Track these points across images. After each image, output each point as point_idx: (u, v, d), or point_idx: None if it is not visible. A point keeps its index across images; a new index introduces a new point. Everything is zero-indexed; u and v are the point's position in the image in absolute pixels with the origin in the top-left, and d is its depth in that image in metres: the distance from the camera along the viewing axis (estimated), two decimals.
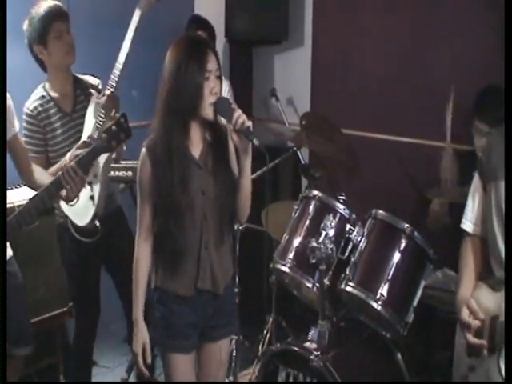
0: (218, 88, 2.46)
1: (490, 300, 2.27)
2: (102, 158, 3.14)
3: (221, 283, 2.57)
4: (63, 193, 2.81)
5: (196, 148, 2.52)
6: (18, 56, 3.29)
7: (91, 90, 3.32)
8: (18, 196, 3.46)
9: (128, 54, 3.13)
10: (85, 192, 3.18)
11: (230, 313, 2.69)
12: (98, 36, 3.77)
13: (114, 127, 2.72)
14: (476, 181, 2.43)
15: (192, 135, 2.50)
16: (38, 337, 3.21)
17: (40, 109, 3.22)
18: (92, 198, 3.23)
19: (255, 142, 2.40)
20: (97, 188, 3.23)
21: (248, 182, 2.53)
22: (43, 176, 3.06)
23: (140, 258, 2.56)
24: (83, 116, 3.27)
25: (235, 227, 3.62)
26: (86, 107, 3.27)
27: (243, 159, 2.48)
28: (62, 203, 3.14)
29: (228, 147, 2.56)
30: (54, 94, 3.27)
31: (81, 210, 3.27)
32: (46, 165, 3.22)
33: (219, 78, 2.48)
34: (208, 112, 2.44)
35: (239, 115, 2.41)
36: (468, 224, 2.46)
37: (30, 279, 3.35)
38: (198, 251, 2.52)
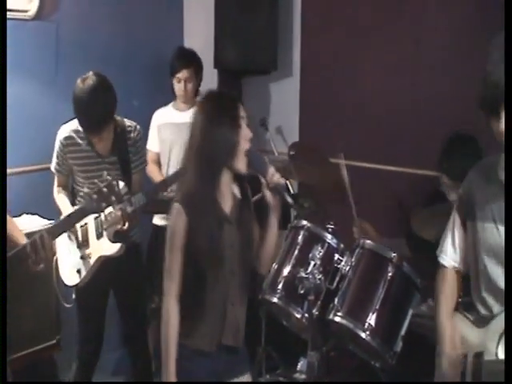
0: (250, 135, 2.47)
1: (472, 336, 2.28)
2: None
3: (241, 337, 2.57)
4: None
5: (226, 203, 2.51)
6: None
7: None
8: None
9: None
10: (73, 261, 3.25)
11: (244, 359, 2.68)
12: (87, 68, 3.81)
13: (104, 189, 2.76)
14: (455, 218, 2.43)
15: (222, 190, 2.49)
16: (26, 370, 3.19)
17: (69, 141, 3.34)
18: (79, 271, 3.28)
19: (289, 200, 2.44)
20: (87, 265, 3.27)
21: (274, 238, 2.55)
22: (59, 198, 3.42)
23: (172, 317, 2.45)
24: (115, 161, 3.35)
25: None
26: (121, 151, 3.33)
27: (272, 215, 2.51)
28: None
29: (252, 203, 2.58)
30: (89, 135, 3.31)
31: (67, 272, 3.32)
32: (66, 184, 3.50)
33: (249, 126, 2.49)
34: (241, 163, 2.43)
35: (274, 172, 2.44)
36: (445, 258, 2.47)
37: (19, 310, 3.34)
38: (223, 307, 2.48)
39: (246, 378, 2.66)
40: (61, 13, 3.94)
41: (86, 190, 3.26)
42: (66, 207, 3.41)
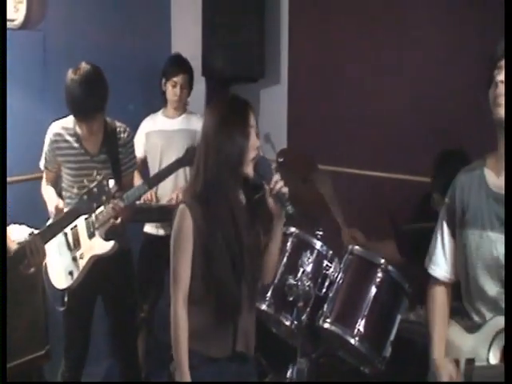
0: (258, 143, 2.48)
1: (464, 342, 2.28)
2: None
3: (252, 344, 2.56)
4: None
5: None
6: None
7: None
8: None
9: None
10: (64, 263, 3.25)
11: (253, 365, 2.67)
12: None
13: (95, 189, 2.75)
14: (443, 227, 2.40)
15: (230, 195, 2.48)
16: (14, 381, 3.16)
17: (58, 138, 3.37)
18: (71, 273, 3.27)
19: (289, 209, 2.43)
20: (80, 266, 3.27)
21: (277, 247, 2.56)
22: (46, 191, 3.47)
23: (181, 323, 2.41)
24: (105, 161, 3.36)
25: None
26: (110, 152, 3.36)
27: (276, 224, 2.52)
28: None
29: (257, 209, 2.57)
30: (79, 131, 3.36)
31: (58, 275, 3.32)
32: (54, 181, 3.52)
33: (257, 134, 2.50)
34: (249, 168, 2.43)
35: (277, 180, 2.44)
36: (438, 271, 2.43)
37: (9, 320, 3.32)
38: (236, 314, 2.47)
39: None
40: (48, 22, 3.91)
41: (74, 190, 3.32)
42: (52, 199, 3.42)
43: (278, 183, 2.43)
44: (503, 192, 2.18)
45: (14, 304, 3.44)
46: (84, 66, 3.24)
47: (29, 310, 3.57)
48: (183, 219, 2.42)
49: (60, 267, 3.34)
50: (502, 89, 2.12)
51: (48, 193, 3.51)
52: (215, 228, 2.41)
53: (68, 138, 3.38)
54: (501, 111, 2.13)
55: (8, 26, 3.70)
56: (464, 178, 2.36)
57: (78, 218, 2.96)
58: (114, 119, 3.48)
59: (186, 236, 2.41)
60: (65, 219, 2.89)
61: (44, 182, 3.56)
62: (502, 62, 2.13)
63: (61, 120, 3.42)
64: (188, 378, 2.41)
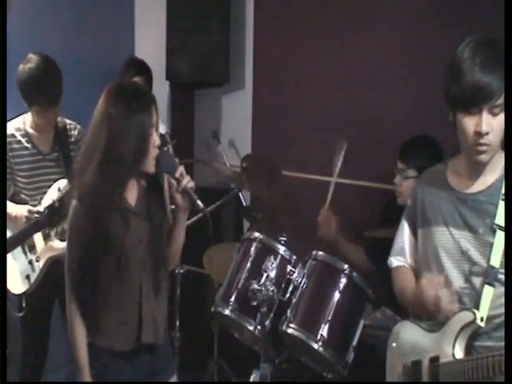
0: (158, 141, 2.39)
1: (426, 342, 2.29)
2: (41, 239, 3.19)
3: (161, 332, 2.50)
4: None
5: (131, 195, 2.44)
6: None
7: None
8: None
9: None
10: (21, 268, 3.20)
11: (167, 357, 2.62)
12: None
13: (56, 204, 2.73)
14: (404, 227, 2.45)
15: (129, 184, 2.43)
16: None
17: (12, 139, 3.31)
18: (28, 277, 3.23)
19: (199, 203, 2.38)
20: (36, 269, 3.21)
21: (182, 235, 2.51)
22: None
23: (77, 317, 2.38)
24: (58, 159, 3.28)
25: (176, 271, 3.60)
26: (62, 150, 3.30)
27: (181, 215, 2.46)
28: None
29: (164, 193, 2.50)
30: (30, 130, 3.33)
31: (15, 280, 3.27)
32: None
33: (157, 130, 2.42)
34: (150, 166, 2.37)
35: (183, 173, 2.38)
36: (403, 261, 2.46)
37: None
38: (138, 302, 2.41)
39: (174, 378, 2.61)
40: (9, 22, 3.86)
41: (26, 192, 3.28)
42: (16, 206, 3.33)
43: (184, 178, 2.38)
44: (467, 191, 2.23)
45: None
46: (33, 56, 3.21)
47: None
48: (74, 215, 2.37)
49: (16, 272, 3.29)
50: (486, 139, 2.09)
51: None
52: (108, 222, 2.35)
53: (20, 138, 3.34)
54: (482, 157, 2.14)
55: None
56: (425, 179, 2.41)
57: (39, 230, 2.95)
58: (64, 117, 3.45)
59: (78, 231, 2.37)
60: (27, 232, 2.88)
61: None
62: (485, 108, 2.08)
63: (11, 121, 3.36)
64: (87, 375, 2.38)
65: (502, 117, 2.09)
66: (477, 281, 2.19)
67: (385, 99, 3.95)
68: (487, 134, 2.08)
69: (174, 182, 2.40)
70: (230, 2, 4.61)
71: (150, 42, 4.82)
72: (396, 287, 2.49)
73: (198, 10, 4.60)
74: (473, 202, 2.21)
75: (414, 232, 2.41)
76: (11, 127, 3.35)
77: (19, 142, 3.33)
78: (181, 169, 2.40)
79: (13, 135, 3.34)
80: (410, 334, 2.38)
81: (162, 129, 4.20)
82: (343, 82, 4.16)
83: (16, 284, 3.29)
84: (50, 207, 2.82)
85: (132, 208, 2.43)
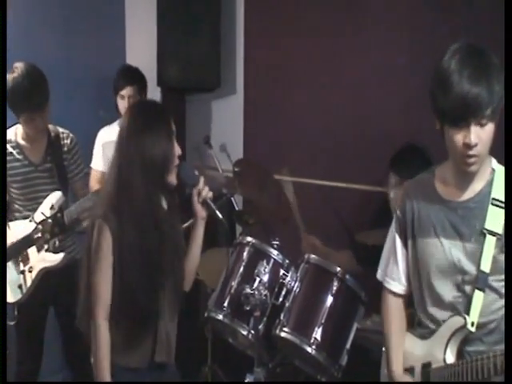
0: (179, 150, 2.45)
1: (418, 348, 2.30)
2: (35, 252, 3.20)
3: (173, 352, 2.54)
4: None
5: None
6: None
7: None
8: None
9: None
10: (12, 277, 3.20)
11: (175, 373, 2.65)
12: None
13: (49, 220, 2.73)
14: (395, 238, 2.39)
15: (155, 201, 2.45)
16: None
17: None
18: (20, 287, 3.23)
19: (219, 215, 2.44)
20: (28, 279, 3.21)
21: (198, 251, 2.54)
22: None
23: (103, 338, 2.38)
24: (50, 169, 3.30)
25: None
26: (55, 160, 3.31)
27: (198, 228, 2.50)
28: None
29: (179, 215, 2.53)
30: (21, 142, 3.33)
31: (8, 289, 3.26)
32: None
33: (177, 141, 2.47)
34: (172, 177, 2.41)
35: (203, 185, 2.44)
36: (392, 283, 2.42)
37: None
38: (156, 323, 2.44)
39: None
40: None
41: (19, 202, 3.28)
42: None
43: (204, 189, 2.43)
44: (456, 200, 2.22)
45: None
46: (18, 64, 3.23)
47: None
48: (101, 234, 2.37)
49: (8, 282, 3.28)
50: (475, 150, 2.08)
51: None
52: (135, 239, 2.36)
53: (11, 150, 3.33)
54: (472, 168, 2.13)
55: None
56: (413, 188, 2.37)
57: (30, 246, 2.98)
58: (56, 125, 3.45)
59: (105, 251, 2.37)
60: (19, 246, 2.89)
61: None
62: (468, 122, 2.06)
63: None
64: None
65: (490, 126, 2.07)
66: (469, 289, 2.19)
67: (377, 103, 3.96)
68: (476, 145, 2.06)
69: (195, 193, 2.44)
70: (221, 8, 4.62)
71: (141, 48, 4.82)
72: (382, 320, 2.47)
73: (188, 16, 4.59)
74: (463, 210, 2.20)
75: (405, 243, 2.38)
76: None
77: (10, 153, 3.32)
78: (202, 180, 2.44)
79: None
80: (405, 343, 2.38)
81: None
82: (335, 86, 4.16)
83: (8, 293, 3.28)
84: (44, 224, 2.83)
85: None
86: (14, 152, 3.33)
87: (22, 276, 3.25)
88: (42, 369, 3.57)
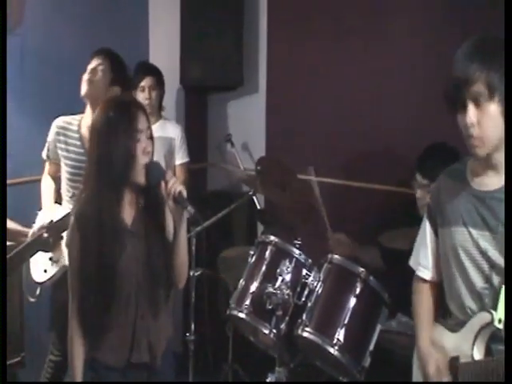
0: (150, 148, 2.40)
1: (447, 341, 2.29)
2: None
3: (158, 354, 2.49)
4: None
5: (128, 214, 2.43)
6: None
7: None
8: None
9: None
10: (42, 259, 3.22)
11: (164, 377, 2.64)
12: (51, 82, 3.80)
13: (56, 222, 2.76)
14: (426, 227, 2.43)
15: (124, 201, 2.41)
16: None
17: (61, 131, 3.44)
18: (45, 271, 3.26)
19: (189, 209, 2.33)
20: (54, 269, 3.25)
21: (183, 248, 2.46)
22: (45, 184, 3.52)
23: (76, 335, 2.40)
24: None
25: (191, 273, 3.59)
26: None
27: (178, 226, 2.41)
28: None
29: (163, 212, 2.47)
30: (83, 130, 3.40)
31: (35, 267, 3.29)
32: (55, 175, 3.54)
33: (151, 138, 2.42)
34: (140, 176, 2.35)
35: (173, 181, 2.36)
36: (424, 271, 2.45)
37: None
38: (133, 322, 2.41)
39: None
40: (25, 26, 3.89)
41: (70, 184, 3.37)
42: (47, 197, 3.47)
43: (173, 185, 2.34)
44: (485, 189, 2.21)
45: None
46: None
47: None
48: (72, 233, 2.39)
49: (39, 261, 3.29)
50: (475, 131, 2.10)
51: (46, 186, 3.53)
52: (97, 240, 2.34)
53: (70, 133, 3.43)
54: (477, 151, 2.14)
55: None
56: (445, 177, 2.39)
57: (35, 253, 3.04)
58: None
59: (74, 249, 2.38)
60: (24, 251, 2.90)
61: (45, 172, 3.58)
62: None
63: (68, 116, 3.48)
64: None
65: (492, 109, 2.07)
66: (496, 281, 2.17)
67: (403, 101, 3.93)
68: (474, 125, 2.08)
69: (163, 189, 2.36)
70: (244, 6, 4.62)
71: (164, 47, 4.83)
72: (413, 309, 2.50)
73: (211, 15, 4.60)
74: (490, 201, 2.18)
75: (435, 231, 2.40)
76: (63, 120, 3.46)
77: (69, 136, 3.42)
78: (170, 176, 2.38)
79: (63, 127, 3.44)
80: (435, 334, 2.37)
81: (177, 132, 4.21)
82: (358, 85, 4.14)
83: (37, 272, 3.32)
84: (50, 228, 2.91)
85: (127, 227, 2.42)
86: (75, 136, 3.41)
87: (50, 262, 3.25)
88: None
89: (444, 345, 2.30)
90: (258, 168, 3.89)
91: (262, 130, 4.70)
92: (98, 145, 2.36)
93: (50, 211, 3.33)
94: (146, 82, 4.16)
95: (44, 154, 3.54)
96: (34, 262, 3.32)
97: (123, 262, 2.36)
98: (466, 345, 2.19)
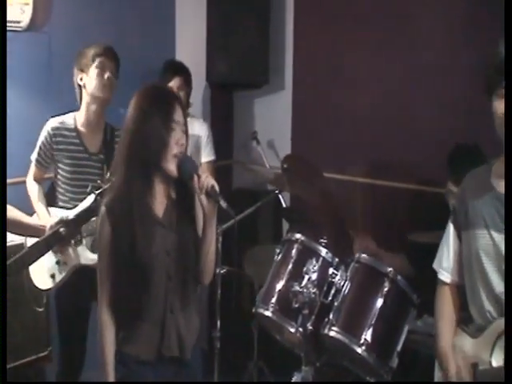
0: (184, 141, 2.39)
1: (468, 347, 2.28)
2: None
3: (188, 347, 2.48)
4: None
5: (160, 205, 2.42)
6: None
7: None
8: None
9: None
10: (48, 265, 3.21)
11: (193, 374, 2.61)
12: None
13: (81, 215, 2.80)
14: (450, 229, 2.43)
15: (156, 191, 2.40)
16: (15, 382, 3.13)
17: (57, 132, 3.35)
18: (53, 276, 3.24)
19: (222, 204, 2.34)
20: (62, 272, 3.24)
21: (212, 245, 2.45)
22: (32, 188, 3.41)
23: (107, 325, 2.40)
24: (103, 161, 3.33)
25: (217, 271, 3.59)
26: (108, 152, 3.31)
27: (208, 221, 2.40)
28: None
29: (194, 205, 2.46)
30: (80, 128, 3.37)
31: (40, 275, 3.29)
32: (41, 179, 3.46)
33: (186, 132, 2.41)
34: (171, 165, 2.34)
35: (207, 175, 2.36)
36: (444, 274, 2.45)
37: (8, 322, 3.28)
38: (162, 315, 2.41)
39: None
40: (53, 24, 3.91)
41: (64, 187, 3.33)
42: (39, 202, 3.38)
43: (206, 179, 2.35)
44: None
45: (15, 304, 3.43)
46: None
47: (30, 311, 3.52)
48: (102, 223, 2.38)
49: (42, 268, 3.27)
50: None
51: (33, 191, 3.43)
52: (129, 231, 2.33)
53: (67, 133, 3.36)
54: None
55: (14, 28, 3.69)
56: (470, 180, 2.38)
57: (51, 248, 3.03)
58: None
59: (105, 240, 2.37)
60: (46, 242, 2.91)
61: (31, 176, 3.46)
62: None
63: (60, 116, 3.41)
64: (112, 379, 2.39)
65: None
66: None
67: (432, 100, 3.89)
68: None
69: (195, 183, 2.36)
70: (270, 4, 4.61)
71: (191, 44, 4.83)
72: (436, 313, 2.49)
73: (237, 12, 4.59)
74: None
75: (459, 234, 2.39)
76: (57, 121, 3.37)
77: (66, 136, 3.34)
78: (203, 174, 2.38)
79: (58, 128, 3.35)
80: (456, 339, 2.35)
81: (203, 129, 4.21)
82: (384, 82, 4.12)
83: (41, 279, 3.29)
84: (67, 223, 2.89)
85: (158, 218, 2.41)
86: (71, 135, 3.35)
87: (56, 266, 3.26)
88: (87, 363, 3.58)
89: (465, 350, 2.29)
90: (285, 166, 3.88)
91: (288, 127, 4.69)
92: (132, 130, 2.36)
93: (47, 216, 3.30)
94: (174, 83, 4.13)
95: (33, 157, 3.43)
96: (36, 270, 3.29)
97: (153, 253, 2.36)
98: (485, 352, 2.19)
